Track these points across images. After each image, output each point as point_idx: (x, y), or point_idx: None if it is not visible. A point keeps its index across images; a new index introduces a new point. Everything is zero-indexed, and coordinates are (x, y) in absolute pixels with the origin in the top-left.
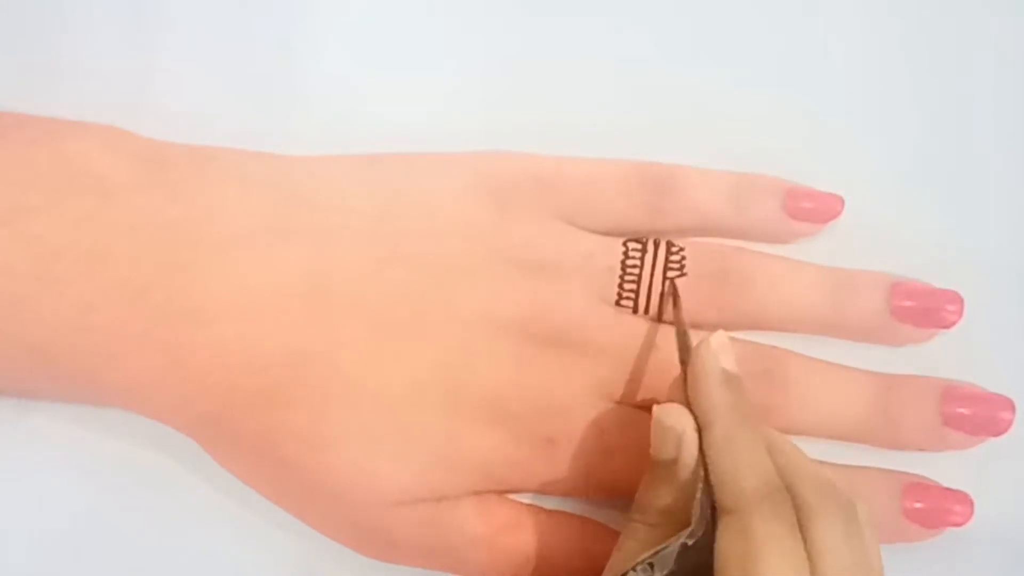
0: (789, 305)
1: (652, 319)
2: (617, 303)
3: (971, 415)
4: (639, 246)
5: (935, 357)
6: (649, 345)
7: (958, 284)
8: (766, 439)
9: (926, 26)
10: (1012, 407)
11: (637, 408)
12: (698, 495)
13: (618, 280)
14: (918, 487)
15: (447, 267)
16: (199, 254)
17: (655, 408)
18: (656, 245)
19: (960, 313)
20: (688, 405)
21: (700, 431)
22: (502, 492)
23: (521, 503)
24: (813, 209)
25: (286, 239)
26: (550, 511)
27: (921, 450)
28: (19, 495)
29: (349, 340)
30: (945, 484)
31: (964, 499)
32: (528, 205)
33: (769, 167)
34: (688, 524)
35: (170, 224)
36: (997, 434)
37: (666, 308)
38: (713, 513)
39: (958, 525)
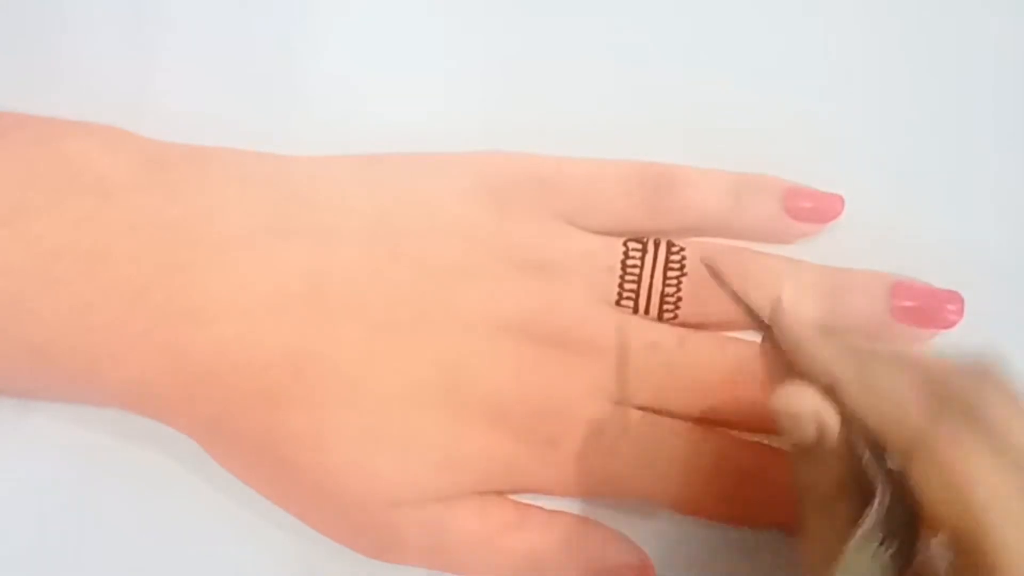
0: (789, 305)
1: (653, 319)
2: (617, 303)
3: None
4: (639, 246)
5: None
6: (650, 345)
7: (958, 284)
8: (895, 357)
9: (926, 26)
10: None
11: (637, 408)
12: (865, 457)
13: (618, 280)
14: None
15: (447, 267)
16: (199, 254)
17: (774, 398)
18: (656, 245)
19: (960, 313)
20: (797, 375)
21: (830, 395)
22: (502, 492)
23: (521, 503)
24: (813, 209)
25: (286, 239)
26: (550, 511)
27: None
28: (19, 495)
29: (349, 340)
30: None
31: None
32: (528, 205)
33: (769, 167)
34: (863, 487)
35: (170, 224)
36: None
37: (716, 286)
38: (887, 468)
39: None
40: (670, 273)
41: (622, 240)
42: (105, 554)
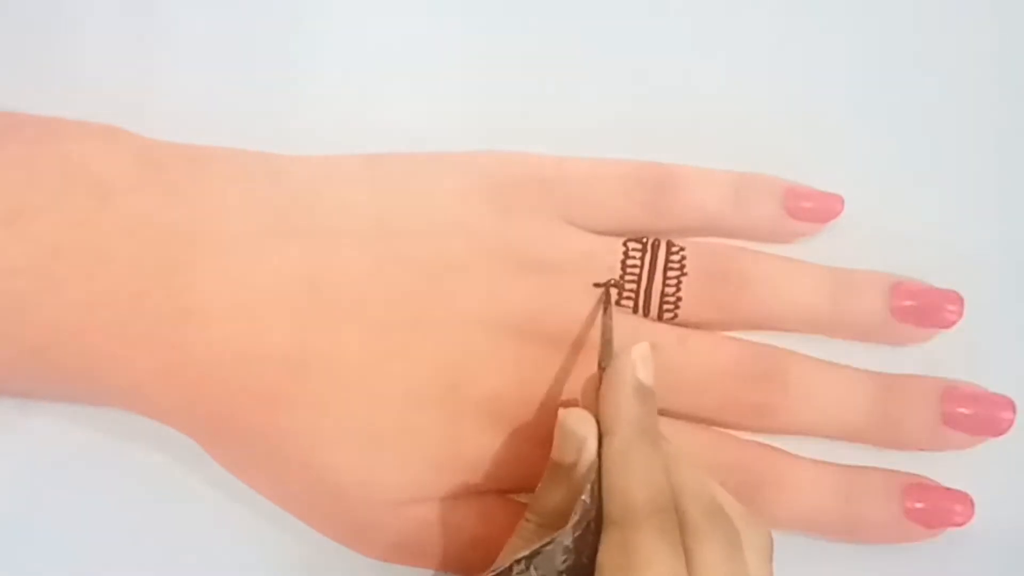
0: (789, 305)
1: (653, 319)
2: (617, 303)
3: (971, 415)
4: (639, 246)
5: (935, 357)
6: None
7: (958, 284)
8: (665, 457)
9: (926, 26)
10: (1012, 407)
11: None
12: (583, 497)
13: (618, 280)
14: (919, 487)
15: (447, 267)
16: (199, 254)
17: (560, 410)
18: (656, 245)
19: (960, 313)
20: (596, 410)
21: (601, 438)
22: (502, 492)
23: (521, 503)
24: (813, 208)
25: (286, 239)
26: None
27: (921, 450)
28: (19, 495)
29: (349, 340)
30: (946, 484)
31: (965, 499)
32: (528, 205)
33: (769, 167)
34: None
35: (170, 224)
36: (997, 434)
37: (599, 311)
38: (600, 523)
39: (959, 525)
40: (670, 273)
41: (622, 240)
42: (105, 553)
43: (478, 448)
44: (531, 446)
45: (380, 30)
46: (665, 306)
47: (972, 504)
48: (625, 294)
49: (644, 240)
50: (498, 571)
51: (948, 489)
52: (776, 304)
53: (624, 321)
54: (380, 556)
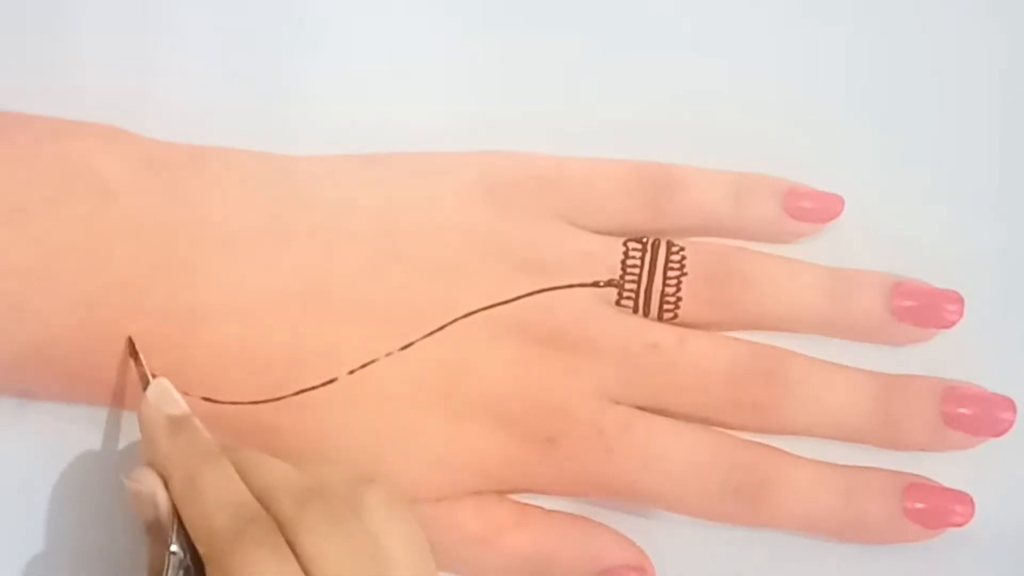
0: (789, 305)
1: (653, 319)
2: (617, 303)
3: (972, 415)
4: (639, 246)
5: (935, 357)
6: (649, 345)
7: (958, 284)
8: (239, 467)
9: (926, 26)
10: (1013, 407)
11: (637, 408)
12: (171, 548)
13: (618, 280)
14: (919, 487)
15: (447, 267)
16: (199, 254)
17: (123, 478)
18: (656, 245)
19: (960, 313)
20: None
21: (167, 486)
22: (502, 492)
23: (521, 503)
24: (813, 209)
25: (286, 239)
26: (550, 511)
27: (922, 450)
28: (19, 495)
29: (349, 340)
30: (946, 484)
31: (965, 499)
32: (528, 205)
33: (769, 167)
34: None
35: (170, 224)
36: (998, 434)
37: (132, 365)
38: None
39: (959, 525)
40: (670, 273)
41: (622, 240)
42: (105, 553)
43: (478, 448)
44: (531, 446)
45: (380, 30)
46: (665, 306)
47: (972, 504)
48: (625, 294)
49: (644, 240)
50: None
51: (948, 489)
52: (776, 304)
53: (624, 321)
54: None
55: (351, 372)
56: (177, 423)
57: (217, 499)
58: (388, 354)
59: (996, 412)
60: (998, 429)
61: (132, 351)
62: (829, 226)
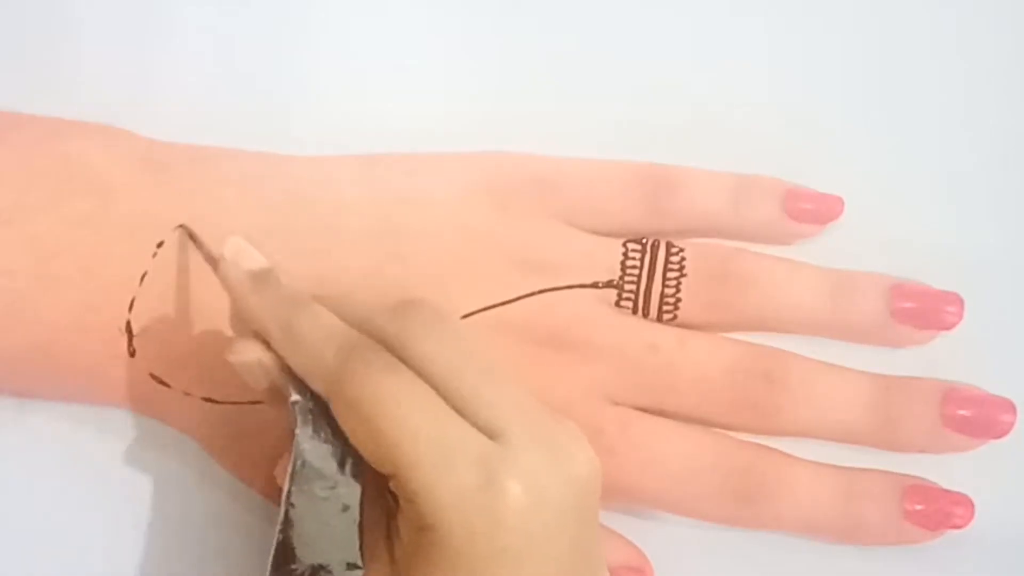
0: (789, 306)
1: (652, 320)
2: (616, 304)
3: (972, 417)
4: (639, 247)
5: (935, 358)
6: (649, 346)
7: (958, 285)
8: (331, 306)
9: (926, 26)
10: (1013, 409)
11: (636, 409)
12: (291, 398)
13: (618, 281)
14: (919, 489)
15: (447, 267)
16: (199, 254)
17: (226, 354)
18: (656, 246)
19: (960, 314)
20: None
21: (268, 343)
22: None
23: None
24: (813, 210)
25: (286, 238)
26: None
27: (922, 452)
28: (19, 495)
29: None
30: (945, 485)
31: (964, 501)
32: (528, 205)
33: (769, 167)
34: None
35: (170, 224)
36: (998, 436)
37: (178, 257)
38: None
39: (959, 527)
40: (669, 274)
41: (621, 241)
42: (105, 553)
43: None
44: None
45: (381, 30)
46: (665, 307)
47: (972, 506)
48: (625, 295)
49: (644, 241)
50: (280, 521)
51: (948, 491)
52: (776, 306)
53: (624, 322)
54: None
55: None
56: (260, 277)
57: (318, 338)
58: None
59: (996, 414)
60: (998, 431)
61: (192, 237)
62: (829, 227)
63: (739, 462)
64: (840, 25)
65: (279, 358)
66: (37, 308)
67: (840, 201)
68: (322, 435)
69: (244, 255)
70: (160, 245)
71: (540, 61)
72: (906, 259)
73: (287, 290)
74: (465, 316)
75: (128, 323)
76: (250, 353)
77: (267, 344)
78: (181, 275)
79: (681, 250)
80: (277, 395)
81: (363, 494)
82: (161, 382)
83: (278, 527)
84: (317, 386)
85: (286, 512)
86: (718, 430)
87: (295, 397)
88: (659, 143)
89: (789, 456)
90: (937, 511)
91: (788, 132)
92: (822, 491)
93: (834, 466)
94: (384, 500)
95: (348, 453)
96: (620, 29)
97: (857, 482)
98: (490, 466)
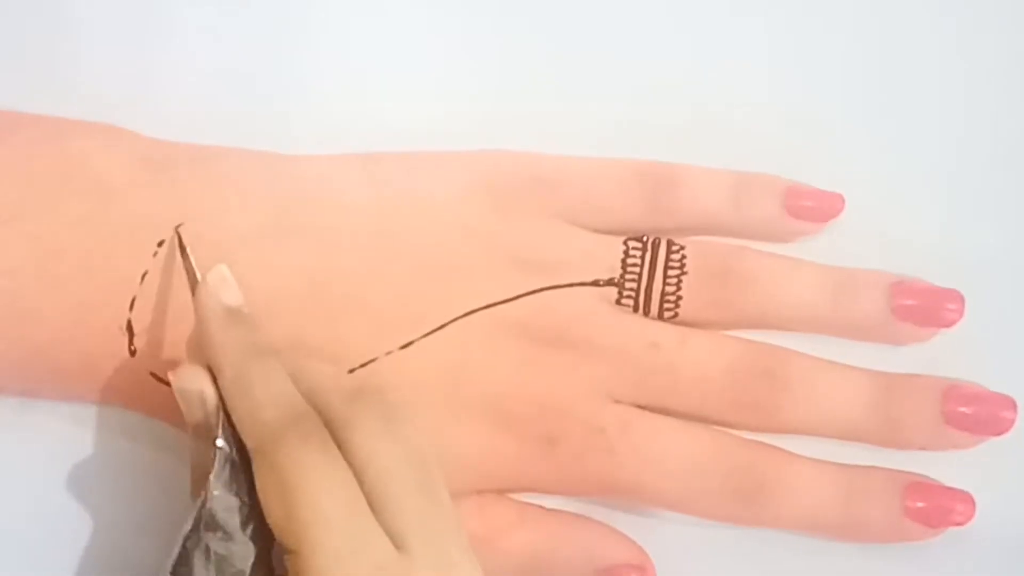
0: (790, 304)
1: (653, 318)
2: (617, 302)
3: (973, 414)
4: (639, 245)
5: (936, 356)
6: (650, 344)
7: (959, 283)
8: (290, 367)
9: (926, 25)
10: (1014, 406)
11: (637, 408)
12: (217, 443)
13: (618, 279)
14: (919, 486)
15: (447, 266)
16: (199, 253)
17: (170, 374)
18: (656, 244)
19: (961, 312)
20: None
21: (215, 379)
22: (502, 491)
23: (521, 503)
24: (813, 208)
25: (286, 238)
26: (550, 511)
27: (922, 449)
28: (19, 495)
29: (349, 339)
30: (946, 483)
31: (966, 498)
32: (528, 204)
33: (769, 167)
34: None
35: (170, 224)
36: (999, 433)
37: (177, 257)
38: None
39: (960, 524)
40: (670, 272)
41: (622, 239)
42: (105, 553)
43: (478, 447)
44: (531, 445)
45: (381, 30)
46: (666, 305)
47: (973, 503)
48: (625, 293)
49: (644, 239)
50: (173, 559)
51: (949, 488)
52: (777, 303)
53: (625, 320)
54: None
55: (351, 371)
56: (233, 314)
57: (267, 393)
58: (388, 353)
59: (997, 411)
60: (999, 428)
61: (180, 245)
62: (829, 225)
63: (740, 460)
64: (840, 25)
65: (221, 398)
66: (37, 308)
67: (840, 198)
68: (234, 488)
69: (225, 287)
70: (161, 244)
71: (540, 61)
72: (906, 257)
73: (255, 337)
74: (465, 315)
75: (129, 322)
76: (195, 382)
77: (214, 379)
78: (182, 274)
79: (682, 248)
80: (204, 431)
81: (256, 560)
82: (161, 381)
83: (171, 562)
84: (247, 439)
85: (180, 552)
86: (719, 428)
87: (221, 443)
88: (659, 143)
89: (790, 454)
90: (938, 508)
91: (788, 132)
92: (823, 489)
93: (835, 464)
94: (272, 569)
95: (253, 516)
96: (620, 29)
97: (858, 480)
98: (386, 573)
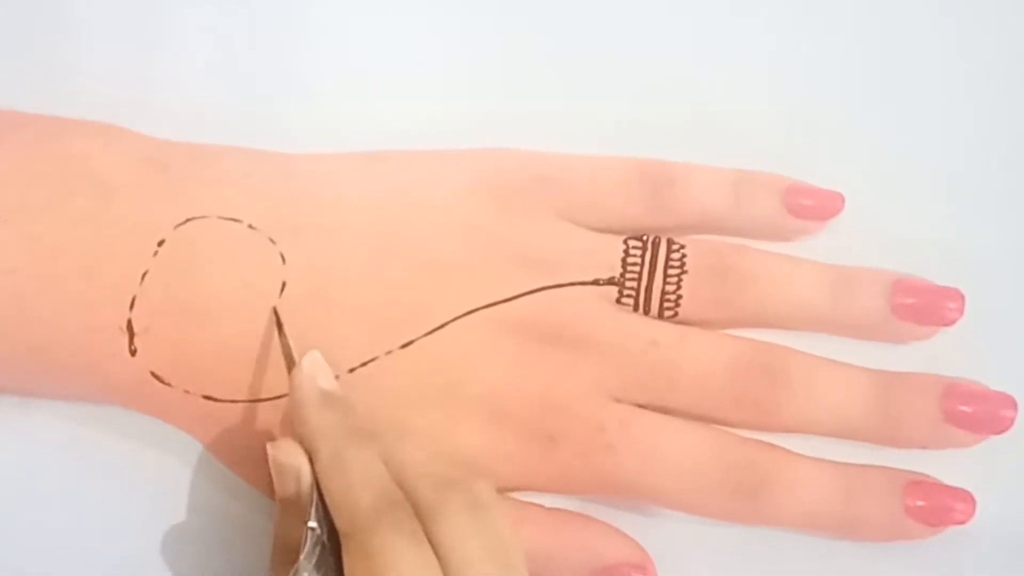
0: (790, 302)
1: (653, 317)
2: (617, 301)
3: (973, 412)
4: (640, 244)
5: (936, 355)
6: (650, 342)
7: (959, 281)
8: (383, 451)
9: (926, 25)
10: (1014, 405)
11: (638, 406)
12: (308, 524)
13: (619, 278)
14: (920, 485)
15: (447, 265)
16: (199, 253)
17: (268, 446)
18: (657, 243)
19: (961, 310)
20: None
21: (311, 459)
22: (502, 490)
23: (521, 502)
24: (814, 206)
25: (286, 237)
26: (550, 510)
27: (923, 448)
28: (19, 494)
29: (349, 338)
30: (947, 481)
31: (966, 497)
32: (528, 203)
33: (769, 167)
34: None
35: (170, 223)
36: (999, 432)
37: (274, 334)
38: (338, 543)
39: (960, 523)
40: (670, 271)
41: (622, 238)
42: (105, 553)
43: (478, 446)
44: (531, 444)
45: (381, 29)
46: (666, 304)
47: (973, 502)
48: (626, 292)
49: (644, 238)
50: None
51: (949, 487)
52: (777, 302)
53: (625, 319)
54: None
55: (351, 370)
56: (329, 398)
57: (361, 479)
58: (388, 352)
59: (997, 409)
60: (999, 427)
61: (278, 324)
62: (829, 223)
63: (740, 458)
64: (840, 25)
65: (316, 477)
66: (37, 307)
67: (840, 197)
68: (322, 570)
69: (321, 371)
70: (161, 244)
71: (540, 61)
72: (907, 255)
73: (352, 420)
74: (466, 314)
75: (129, 322)
76: (294, 458)
77: (310, 458)
78: (182, 274)
79: (682, 247)
80: (293, 506)
81: None
82: (162, 380)
83: None
84: (339, 523)
85: None
86: (719, 426)
87: (313, 524)
88: (659, 142)
89: (790, 452)
90: (938, 507)
91: (788, 132)
92: (823, 487)
93: (835, 462)
94: None
95: None
96: (620, 29)
97: (858, 478)
98: None
